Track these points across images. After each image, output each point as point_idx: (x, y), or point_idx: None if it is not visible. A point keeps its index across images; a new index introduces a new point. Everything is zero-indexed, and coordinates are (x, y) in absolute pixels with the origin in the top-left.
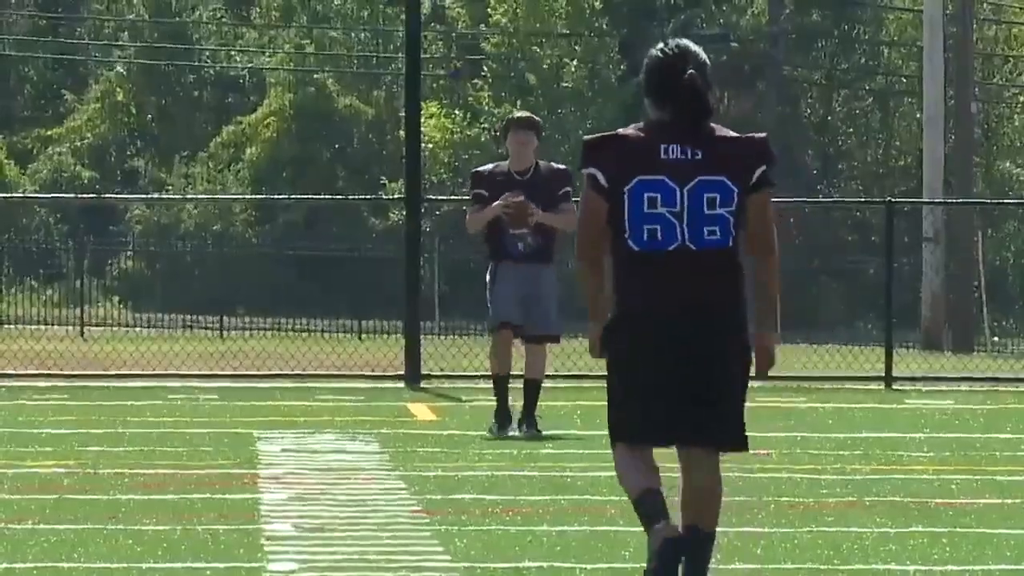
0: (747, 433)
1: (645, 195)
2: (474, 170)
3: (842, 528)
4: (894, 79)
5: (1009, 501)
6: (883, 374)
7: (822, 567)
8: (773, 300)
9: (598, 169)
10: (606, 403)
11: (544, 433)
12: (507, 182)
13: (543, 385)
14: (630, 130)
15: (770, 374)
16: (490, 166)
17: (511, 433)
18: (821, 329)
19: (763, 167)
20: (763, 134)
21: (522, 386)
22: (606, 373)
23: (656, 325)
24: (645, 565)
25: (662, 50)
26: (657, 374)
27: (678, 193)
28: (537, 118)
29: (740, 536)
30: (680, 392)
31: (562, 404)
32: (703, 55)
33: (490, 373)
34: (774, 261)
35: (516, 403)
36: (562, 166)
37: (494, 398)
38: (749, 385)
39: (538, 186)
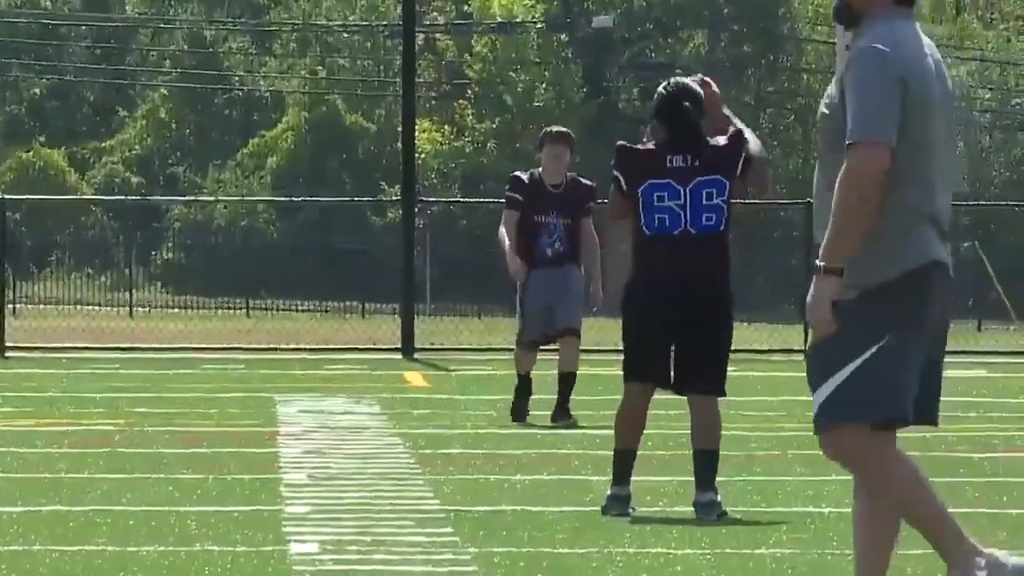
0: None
1: (654, 194)
2: (513, 174)
3: (769, 477)
4: (812, 100)
5: (907, 453)
6: (803, 347)
7: (752, 510)
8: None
9: (620, 174)
10: (624, 349)
11: (577, 421)
12: (540, 192)
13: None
14: (649, 146)
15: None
16: (527, 175)
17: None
18: (750, 310)
19: (742, 155)
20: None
21: (557, 378)
22: (624, 325)
23: (663, 290)
24: (604, 503)
25: (666, 87)
26: (661, 330)
27: (681, 191)
28: (571, 133)
29: (683, 484)
30: (678, 348)
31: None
32: (694, 89)
33: (516, 372)
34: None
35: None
36: (590, 182)
37: (512, 395)
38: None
39: (568, 199)
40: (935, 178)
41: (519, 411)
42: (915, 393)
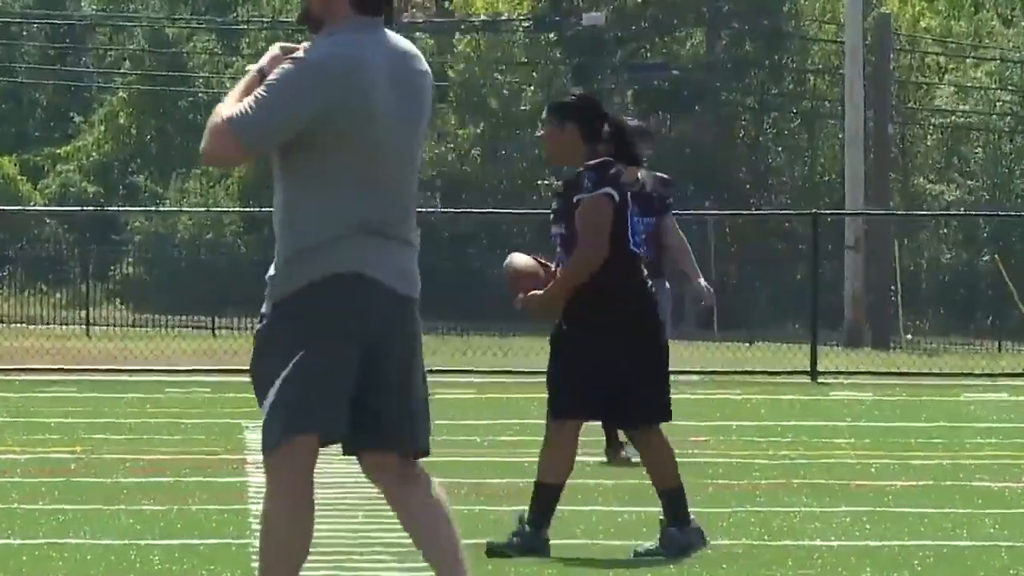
0: (682, 421)
1: (632, 209)
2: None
3: (772, 507)
4: (819, 103)
5: (922, 483)
6: (809, 369)
7: (755, 543)
8: None
9: (613, 188)
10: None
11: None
12: None
13: (527, 380)
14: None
15: (707, 368)
16: None
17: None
18: (753, 329)
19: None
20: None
21: None
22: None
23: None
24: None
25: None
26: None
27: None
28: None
29: None
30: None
31: (519, 396)
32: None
33: None
34: None
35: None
36: (665, 176)
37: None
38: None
39: (646, 198)
40: (381, 189)
41: (611, 446)
42: (341, 413)
